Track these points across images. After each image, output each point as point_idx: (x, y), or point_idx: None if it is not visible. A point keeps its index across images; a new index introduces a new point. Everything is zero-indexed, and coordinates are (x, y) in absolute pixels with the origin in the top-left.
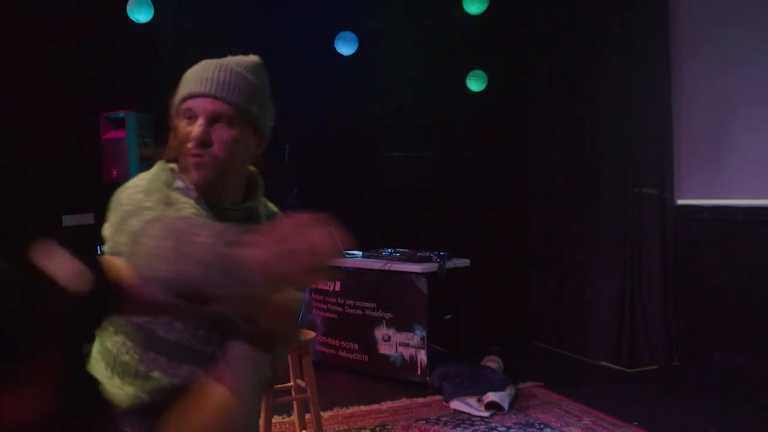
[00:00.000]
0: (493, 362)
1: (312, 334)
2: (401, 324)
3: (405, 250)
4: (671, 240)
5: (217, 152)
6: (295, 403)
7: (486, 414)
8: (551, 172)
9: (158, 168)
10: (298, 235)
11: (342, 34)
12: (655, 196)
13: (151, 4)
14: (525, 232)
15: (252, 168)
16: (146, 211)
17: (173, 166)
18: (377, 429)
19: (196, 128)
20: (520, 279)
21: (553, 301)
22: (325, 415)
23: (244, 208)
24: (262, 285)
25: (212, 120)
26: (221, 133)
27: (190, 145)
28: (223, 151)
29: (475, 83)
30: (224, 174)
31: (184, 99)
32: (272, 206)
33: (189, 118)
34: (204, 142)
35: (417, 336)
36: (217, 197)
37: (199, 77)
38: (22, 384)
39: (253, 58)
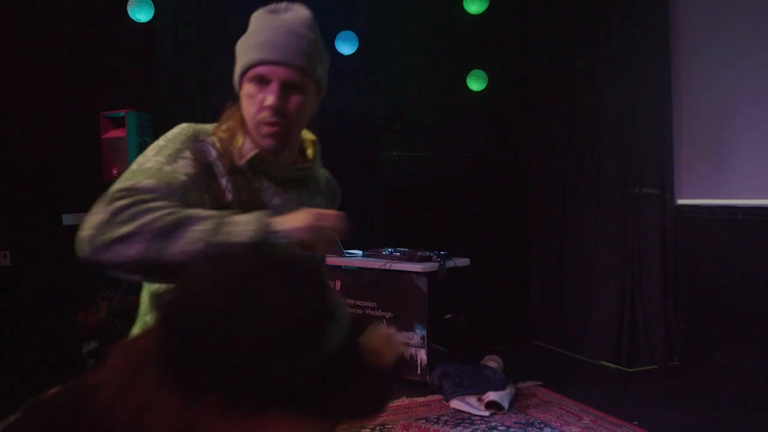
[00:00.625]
0: (493, 362)
1: None
2: (401, 323)
3: (405, 249)
4: (671, 240)
5: (291, 119)
6: None
7: (486, 413)
8: (551, 172)
9: (182, 128)
10: (323, 217)
11: (342, 34)
12: (655, 196)
13: (151, 4)
14: (525, 232)
15: (310, 134)
16: (139, 174)
17: (200, 129)
18: (377, 428)
19: (271, 97)
20: (520, 279)
21: (553, 300)
22: None
23: (300, 168)
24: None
25: (285, 87)
26: (295, 101)
27: (265, 113)
28: (295, 118)
29: (475, 83)
30: (292, 138)
31: (256, 64)
32: (326, 172)
33: (260, 82)
34: (280, 110)
35: (417, 335)
36: (275, 159)
37: (269, 43)
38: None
39: (305, 12)
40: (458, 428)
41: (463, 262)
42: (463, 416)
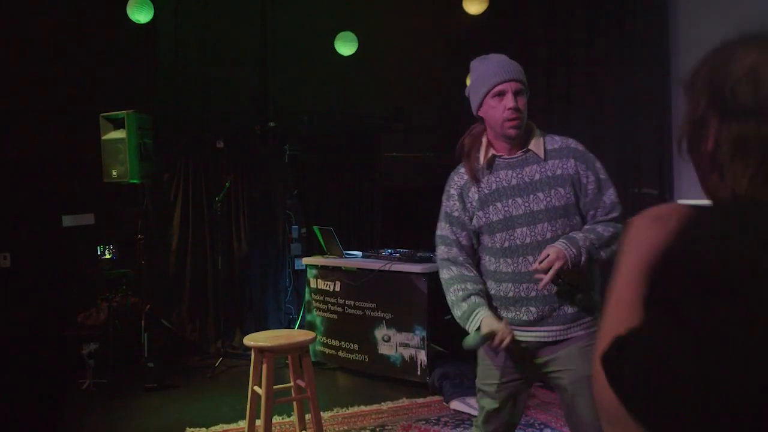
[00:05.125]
0: None
1: (312, 335)
2: (401, 324)
3: (405, 250)
4: None
5: (522, 114)
6: (295, 403)
7: None
8: None
9: (455, 171)
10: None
11: (342, 34)
12: (654, 197)
13: (150, 5)
14: None
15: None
16: (441, 223)
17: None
18: (377, 429)
19: (511, 101)
20: None
21: None
22: (325, 415)
23: (518, 157)
24: None
25: (516, 94)
26: (522, 101)
27: (508, 113)
28: (524, 113)
29: None
30: (523, 125)
31: (496, 84)
32: (558, 140)
33: (498, 95)
34: (517, 108)
35: (417, 336)
36: (504, 149)
37: (501, 70)
38: None
39: (503, 55)
40: (458, 429)
41: None
42: (463, 417)
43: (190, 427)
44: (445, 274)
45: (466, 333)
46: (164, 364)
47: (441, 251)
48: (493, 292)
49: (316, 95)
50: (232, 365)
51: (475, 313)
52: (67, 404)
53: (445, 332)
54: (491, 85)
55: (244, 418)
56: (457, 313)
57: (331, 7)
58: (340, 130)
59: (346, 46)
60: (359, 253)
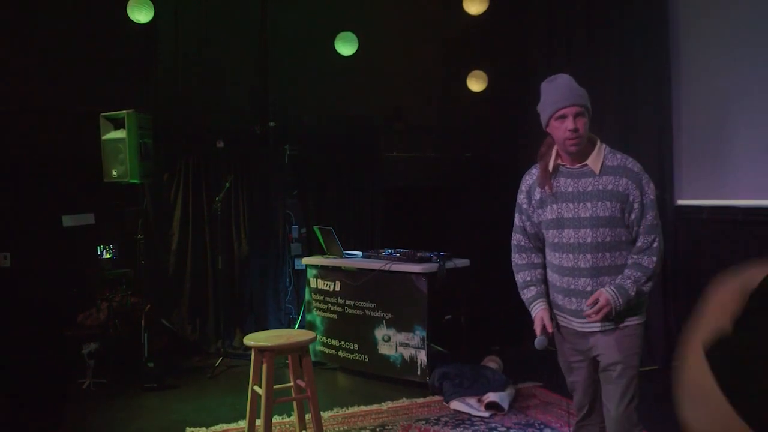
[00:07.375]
0: (493, 362)
1: (312, 335)
2: (401, 324)
3: (405, 250)
4: (671, 240)
5: (581, 134)
6: (295, 403)
7: (486, 414)
8: None
9: (528, 171)
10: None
11: (342, 34)
12: (654, 196)
13: (151, 3)
14: None
15: (594, 137)
16: (515, 213)
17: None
18: (377, 429)
19: (570, 124)
20: None
21: None
22: (325, 415)
23: (577, 168)
24: None
25: (576, 117)
26: (581, 123)
27: (568, 134)
28: (583, 131)
29: (344, 47)
30: (583, 143)
31: (558, 109)
32: (619, 158)
33: (560, 118)
34: (576, 129)
35: (417, 336)
36: (567, 160)
37: (563, 97)
38: None
39: (568, 75)
40: (458, 429)
41: (462, 262)
42: (463, 417)
43: (190, 427)
44: (514, 259)
45: (466, 335)
46: (164, 364)
47: (513, 238)
48: (549, 279)
49: (316, 95)
50: (232, 365)
51: (533, 305)
52: (67, 404)
53: (445, 332)
54: (554, 109)
55: (244, 418)
56: (522, 295)
57: (331, 7)
58: (340, 130)
59: (346, 46)
60: (359, 253)
